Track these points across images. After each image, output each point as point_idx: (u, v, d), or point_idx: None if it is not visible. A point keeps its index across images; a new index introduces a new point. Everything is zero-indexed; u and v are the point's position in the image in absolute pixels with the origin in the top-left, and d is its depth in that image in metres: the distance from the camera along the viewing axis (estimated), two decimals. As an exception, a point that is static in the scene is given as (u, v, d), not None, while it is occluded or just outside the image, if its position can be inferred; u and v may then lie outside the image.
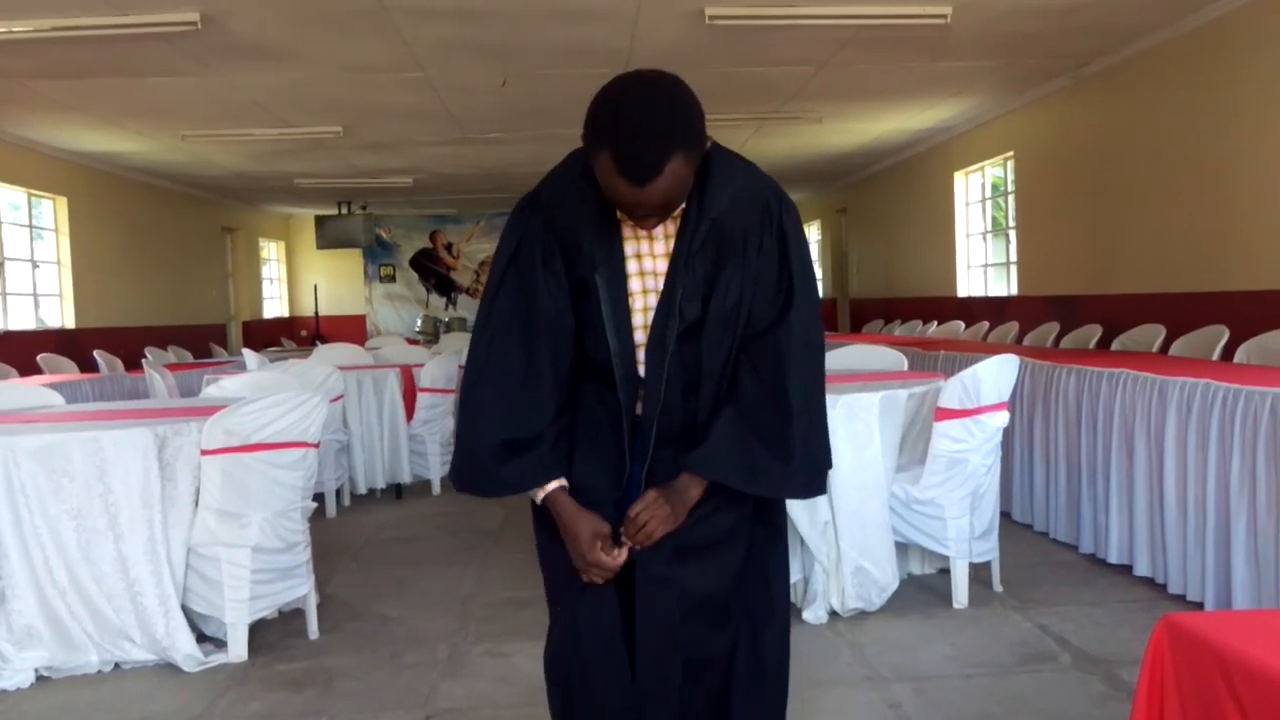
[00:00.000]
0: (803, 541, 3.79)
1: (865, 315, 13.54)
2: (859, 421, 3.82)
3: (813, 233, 17.17)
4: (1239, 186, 6.24)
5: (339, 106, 8.62)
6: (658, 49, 6.81)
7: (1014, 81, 8.37)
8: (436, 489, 6.81)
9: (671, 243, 1.79)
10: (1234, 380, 3.75)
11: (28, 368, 8.40)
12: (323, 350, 7.98)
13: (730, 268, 1.77)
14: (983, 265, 10.79)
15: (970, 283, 10.97)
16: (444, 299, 18.87)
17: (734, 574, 1.85)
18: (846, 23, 6.29)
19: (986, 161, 10.32)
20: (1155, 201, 7.15)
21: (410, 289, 18.90)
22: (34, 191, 9.99)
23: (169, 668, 3.58)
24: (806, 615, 3.86)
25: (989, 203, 10.69)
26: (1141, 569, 4.25)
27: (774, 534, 1.94)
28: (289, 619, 4.07)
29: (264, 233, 17.32)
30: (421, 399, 6.76)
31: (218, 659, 3.63)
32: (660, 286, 1.79)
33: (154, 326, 11.82)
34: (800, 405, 1.76)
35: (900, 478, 4.05)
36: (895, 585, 3.98)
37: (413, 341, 11.76)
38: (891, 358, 5.25)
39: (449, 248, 18.83)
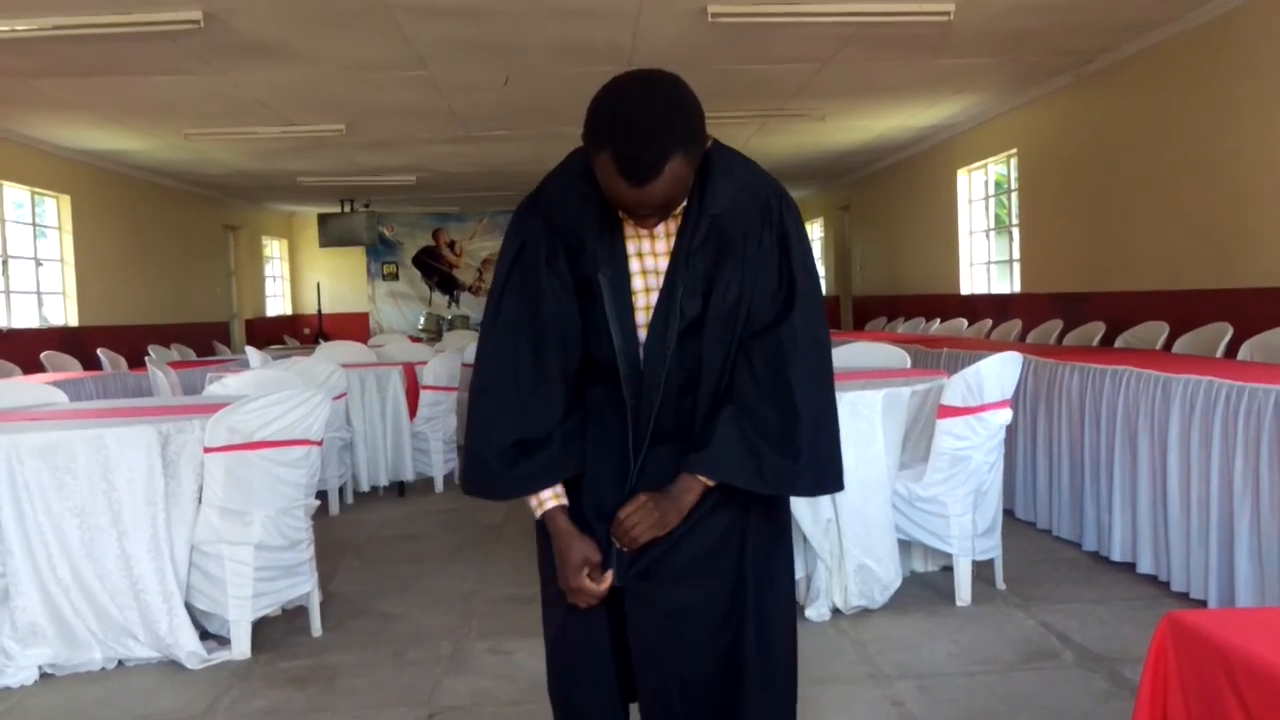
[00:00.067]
0: (805, 539, 3.79)
1: (868, 313, 13.53)
2: (862, 419, 3.82)
3: (816, 230, 17.16)
4: (1243, 183, 6.22)
5: (341, 105, 8.62)
6: (660, 47, 6.81)
7: (1017, 79, 8.36)
8: (439, 486, 6.81)
9: (673, 241, 1.78)
10: (1237, 378, 3.75)
11: (31, 366, 8.42)
12: (326, 348, 7.99)
13: (730, 265, 1.76)
14: (986, 263, 10.78)
15: (973, 280, 10.96)
16: (447, 297, 18.89)
17: (728, 583, 1.83)
18: (849, 20, 6.28)
19: (990, 159, 10.31)
20: (1158, 198, 7.14)
21: (413, 287, 18.91)
22: (37, 189, 10.00)
23: (172, 665, 3.59)
24: (809, 613, 3.86)
25: (992, 200, 10.68)
26: (1144, 566, 4.24)
27: (778, 532, 1.93)
28: (292, 616, 4.08)
29: (267, 231, 17.33)
30: (424, 396, 6.76)
31: (221, 656, 3.64)
32: (662, 285, 1.78)
33: (157, 324, 11.83)
34: (805, 403, 1.75)
35: (903, 475, 4.05)
36: (898, 583, 3.98)
37: (415, 339, 11.77)
38: (894, 355, 5.25)
39: (452, 245, 18.83)
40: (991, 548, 4.13)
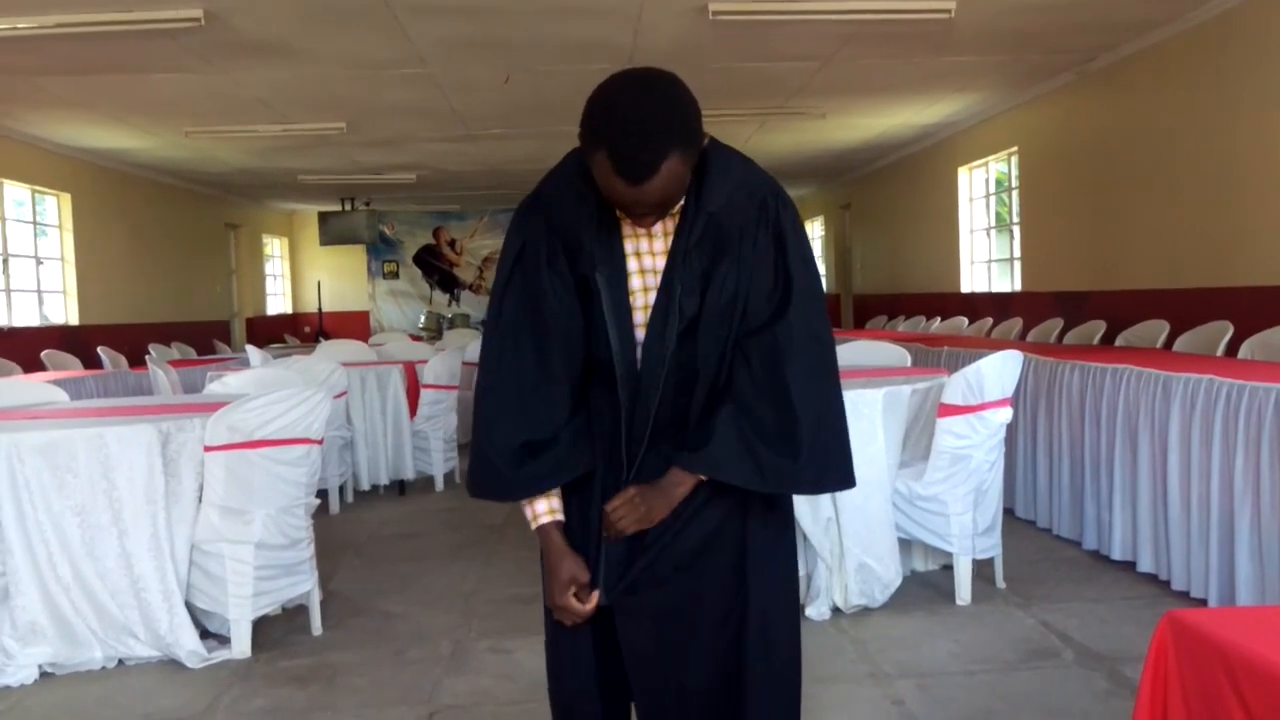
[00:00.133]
0: (806, 537, 3.79)
1: (869, 311, 13.53)
2: (862, 418, 3.81)
3: (816, 229, 17.15)
4: (1243, 182, 6.22)
5: (342, 103, 8.62)
6: (661, 45, 6.81)
7: (1018, 77, 8.35)
8: (440, 485, 6.81)
9: (670, 240, 1.78)
10: (1238, 376, 3.75)
11: (32, 364, 8.42)
12: (326, 347, 7.99)
13: (726, 263, 1.75)
14: (986, 261, 10.78)
15: (974, 278, 10.96)
16: (447, 295, 18.89)
17: (727, 581, 1.83)
18: (850, 18, 6.28)
19: (991, 157, 10.31)
20: (1159, 197, 7.13)
21: (414, 285, 18.91)
22: (38, 188, 10.00)
23: (173, 664, 3.59)
24: (809, 612, 3.86)
25: (993, 198, 10.67)
26: (1145, 565, 4.24)
27: (779, 530, 1.92)
28: (292, 615, 4.08)
29: (267, 229, 17.34)
30: (425, 395, 6.76)
31: (221, 655, 3.64)
32: (660, 284, 1.78)
33: (158, 323, 11.83)
34: (804, 401, 1.74)
35: (904, 474, 4.05)
36: (898, 582, 3.98)
37: (416, 338, 11.77)
38: (895, 354, 5.25)
39: (452, 244, 18.84)
40: (992, 546, 4.13)
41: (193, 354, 10.26)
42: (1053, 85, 8.51)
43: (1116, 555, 4.43)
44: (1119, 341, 6.53)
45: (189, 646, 3.57)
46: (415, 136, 10.35)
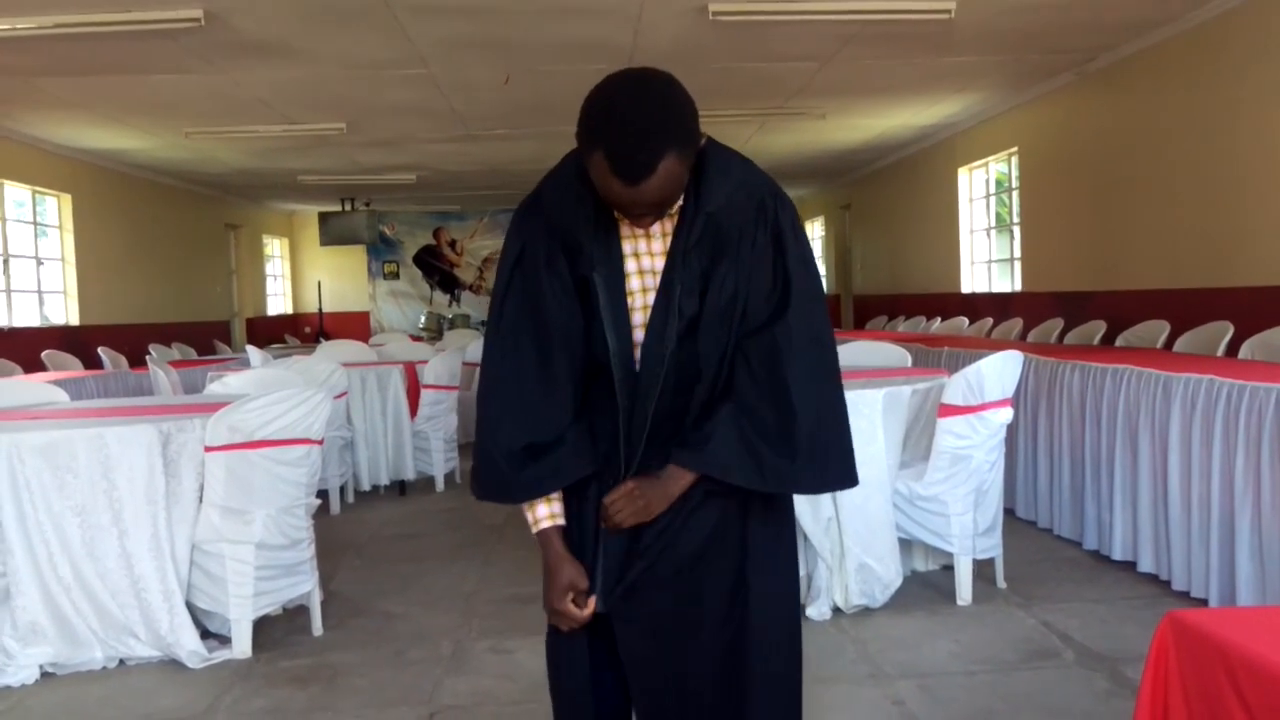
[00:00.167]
0: (806, 537, 3.79)
1: (869, 311, 13.53)
2: (863, 418, 3.81)
3: (816, 229, 17.14)
4: (1243, 182, 6.22)
5: (342, 103, 8.62)
6: (661, 45, 6.81)
7: (1018, 77, 8.35)
8: (440, 485, 6.81)
9: (669, 240, 1.78)
10: (1238, 376, 3.75)
11: (32, 364, 8.42)
12: (326, 347, 8.00)
13: (725, 263, 1.75)
14: (987, 261, 10.78)
15: (974, 279, 10.96)
16: (448, 295, 18.89)
17: (726, 581, 1.82)
18: (850, 18, 6.28)
19: (991, 157, 10.31)
20: (1159, 197, 7.13)
21: (414, 286, 18.91)
22: (38, 188, 10.01)
23: (173, 664, 3.59)
24: (810, 612, 3.86)
25: (993, 199, 10.67)
26: (1145, 565, 4.24)
27: (780, 529, 1.92)
28: (293, 615, 4.08)
29: (268, 229, 17.33)
30: (425, 395, 6.76)
31: (222, 655, 3.64)
32: (659, 284, 1.78)
33: (158, 323, 11.83)
34: (803, 401, 1.74)
35: (904, 474, 4.05)
36: (899, 582, 3.98)
37: (416, 338, 11.78)
38: (895, 354, 5.25)
39: (453, 244, 18.84)
40: (992, 547, 4.13)
41: (193, 354, 10.27)
42: (1053, 85, 8.51)
43: (1117, 555, 4.43)
44: (1119, 342, 6.53)
45: (190, 646, 3.57)
46: (415, 137, 10.35)
